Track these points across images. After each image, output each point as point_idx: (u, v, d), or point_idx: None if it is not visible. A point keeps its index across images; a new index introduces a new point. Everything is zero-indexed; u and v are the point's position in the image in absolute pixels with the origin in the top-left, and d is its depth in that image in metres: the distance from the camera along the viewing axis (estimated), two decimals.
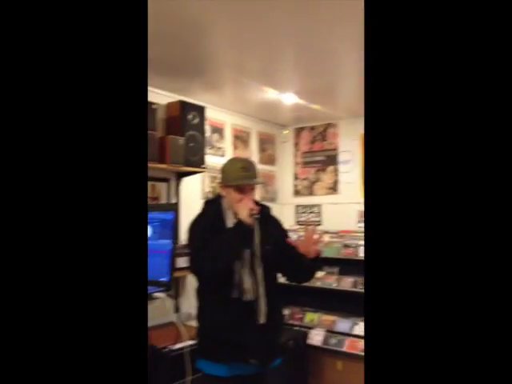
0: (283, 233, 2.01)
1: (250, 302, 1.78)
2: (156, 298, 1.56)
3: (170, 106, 3.39)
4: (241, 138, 4.35)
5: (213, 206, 1.93)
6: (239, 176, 1.82)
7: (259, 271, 1.81)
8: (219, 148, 4.09)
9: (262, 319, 1.78)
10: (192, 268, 1.82)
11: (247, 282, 1.78)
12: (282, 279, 1.99)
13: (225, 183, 1.86)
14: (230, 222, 1.83)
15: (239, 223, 1.75)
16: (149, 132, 2.83)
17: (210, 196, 3.86)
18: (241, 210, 1.76)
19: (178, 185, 3.54)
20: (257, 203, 1.85)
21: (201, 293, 1.89)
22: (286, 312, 4.12)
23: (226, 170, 1.89)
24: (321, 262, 1.89)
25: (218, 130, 4.07)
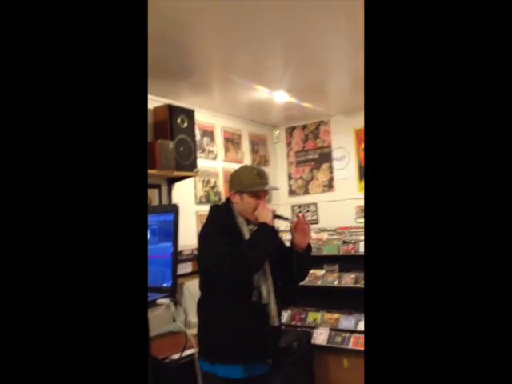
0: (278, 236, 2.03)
1: (265, 306, 1.84)
2: (160, 305, 1.50)
3: (157, 110, 3.32)
4: (232, 141, 4.30)
5: (222, 212, 1.93)
6: (256, 182, 1.87)
7: (269, 275, 1.86)
8: (210, 151, 4.03)
9: (275, 322, 1.87)
10: (215, 275, 1.76)
11: (263, 287, 1.84)
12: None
13: (239, 189, 1.88)
14: (244, 228, 1.87)
15: (263, 226, 1.79)
16: None
17: (215, 202, 3.82)
18: (264, 213, 1.83)
19: (169, 190, 3.47)
20: None
21: (213, 299, 1.86)
22: (287, 313, 4.07)
23: (240, 176, 1.91)
24: (312, 256, 2.02)
25: (208, 133, 4.01)
